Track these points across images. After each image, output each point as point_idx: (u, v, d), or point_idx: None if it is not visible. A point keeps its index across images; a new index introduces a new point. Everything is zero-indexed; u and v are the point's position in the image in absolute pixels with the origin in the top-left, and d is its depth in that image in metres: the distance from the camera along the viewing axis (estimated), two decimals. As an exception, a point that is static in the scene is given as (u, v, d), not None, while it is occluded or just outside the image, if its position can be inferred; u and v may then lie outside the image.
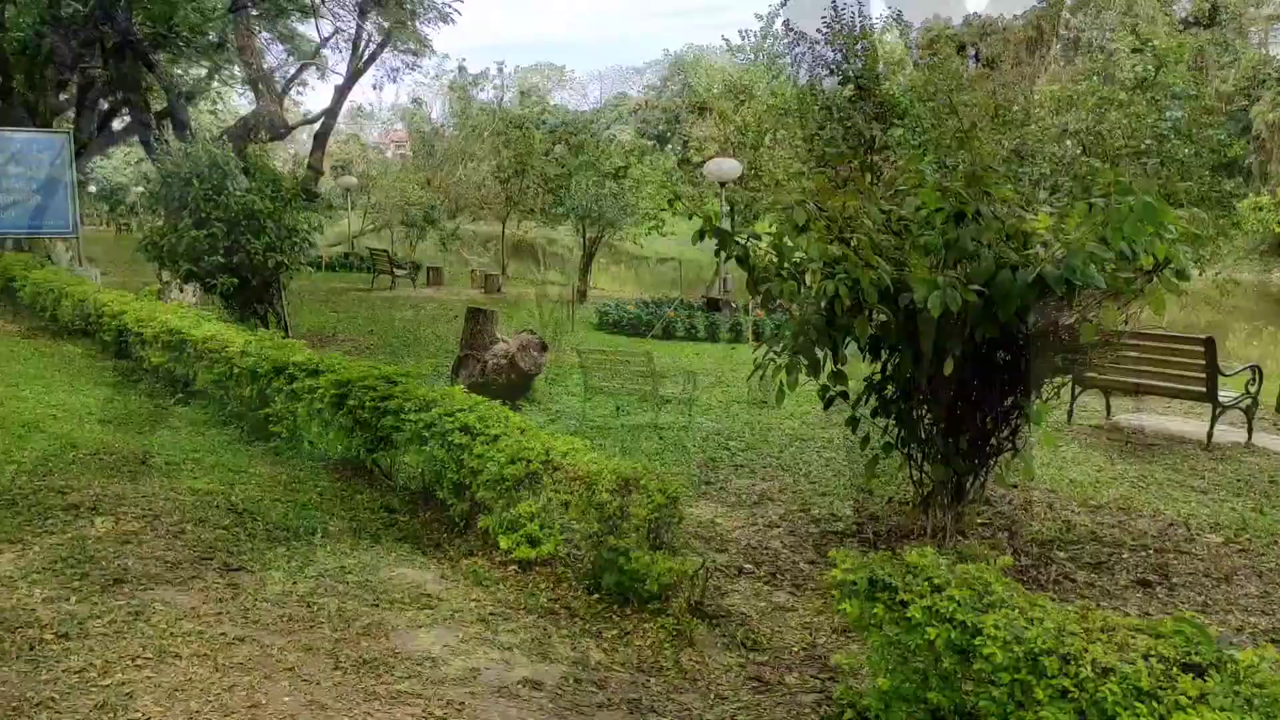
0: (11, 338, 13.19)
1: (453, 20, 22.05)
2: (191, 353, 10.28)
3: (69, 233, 20.89)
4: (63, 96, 30.62)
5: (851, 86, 20.01)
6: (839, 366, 6.06)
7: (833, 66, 20.27)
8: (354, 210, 40.48)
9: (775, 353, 6.09)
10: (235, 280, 13.64)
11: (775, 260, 5.86)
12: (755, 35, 25.20)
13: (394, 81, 59.28)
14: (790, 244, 5.64)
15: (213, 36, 27.38)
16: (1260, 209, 34.57)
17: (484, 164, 56.77)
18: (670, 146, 58.58)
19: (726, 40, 27.64)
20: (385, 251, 25.15)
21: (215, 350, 9.54)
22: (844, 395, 6.28)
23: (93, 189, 57.97)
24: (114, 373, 11.69)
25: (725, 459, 8.49)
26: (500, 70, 76.26)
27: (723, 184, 18.64)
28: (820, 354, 5.89)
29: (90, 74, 28.50)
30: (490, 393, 10.65)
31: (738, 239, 6.12)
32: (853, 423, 6.31)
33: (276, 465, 7.74)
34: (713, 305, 18.18)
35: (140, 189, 63.24)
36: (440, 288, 26.71)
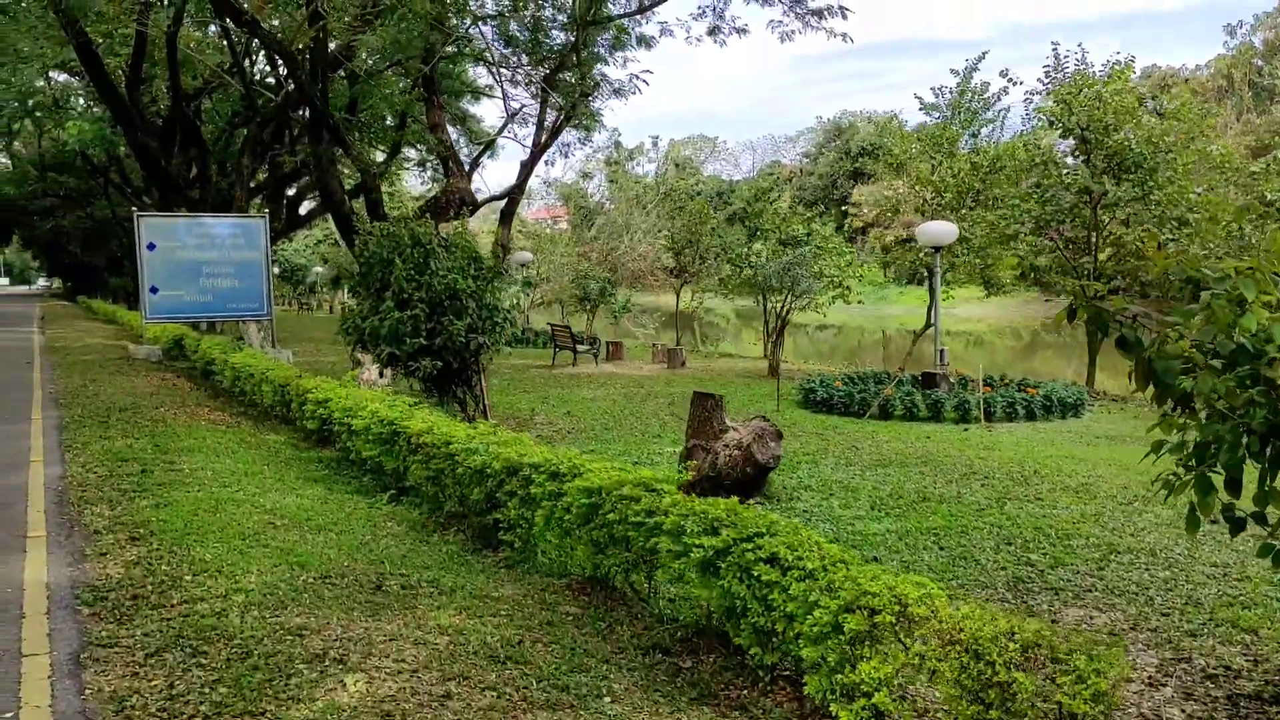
0: (217, 427, 12.84)
1: (635, 93, 21.53)
2: (405, 446, 9.53)
3: (264, 315, 21.07)
4: (252, 184, 31.76)
5: (1075, 138, 18.38)
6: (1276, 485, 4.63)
7: (1053, 118, 18.68)
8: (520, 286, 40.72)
9: (1182, 467, 4.73)
10: (439, 364, 13.01)
11: (1195, 349, 4.53)
12: (951, 91, 23.49)
13: (565, 156, 59.93)
14: (1252, 324, 4.30)
15: (389, 120, 27.79)
16: None
17: (648, 235, 56.79)
18: (830, 213, 57.21)
19: (919, 98, 26.62)
20: (567, 327, 24.59)
21: (435, 444, 8.71)
22: (1260, 519, 4.85)
23: (276, 270, 60.55)
24: (320, 465, 11.09)
25: (1033, 577, 7.04)
26: (655, 144, 76.49)
27: (936, 249, 17.20)
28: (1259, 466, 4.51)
29: (279, 160, 29.39)
30: (723, 489, 9.54)
31: (1119, 318, 4.82)
32: (1275, 557, 4.84)
33: (515, 584, 6.75)
34: (929, 381, 16.65)
35: (320, 269, 65.91)
36: (621, 362, 25.95)
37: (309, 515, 8.01)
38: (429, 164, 34.37)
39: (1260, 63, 69.57)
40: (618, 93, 21.26)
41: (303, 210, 37.39)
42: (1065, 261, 19.24)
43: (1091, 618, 6.21)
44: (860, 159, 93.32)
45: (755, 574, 4.89)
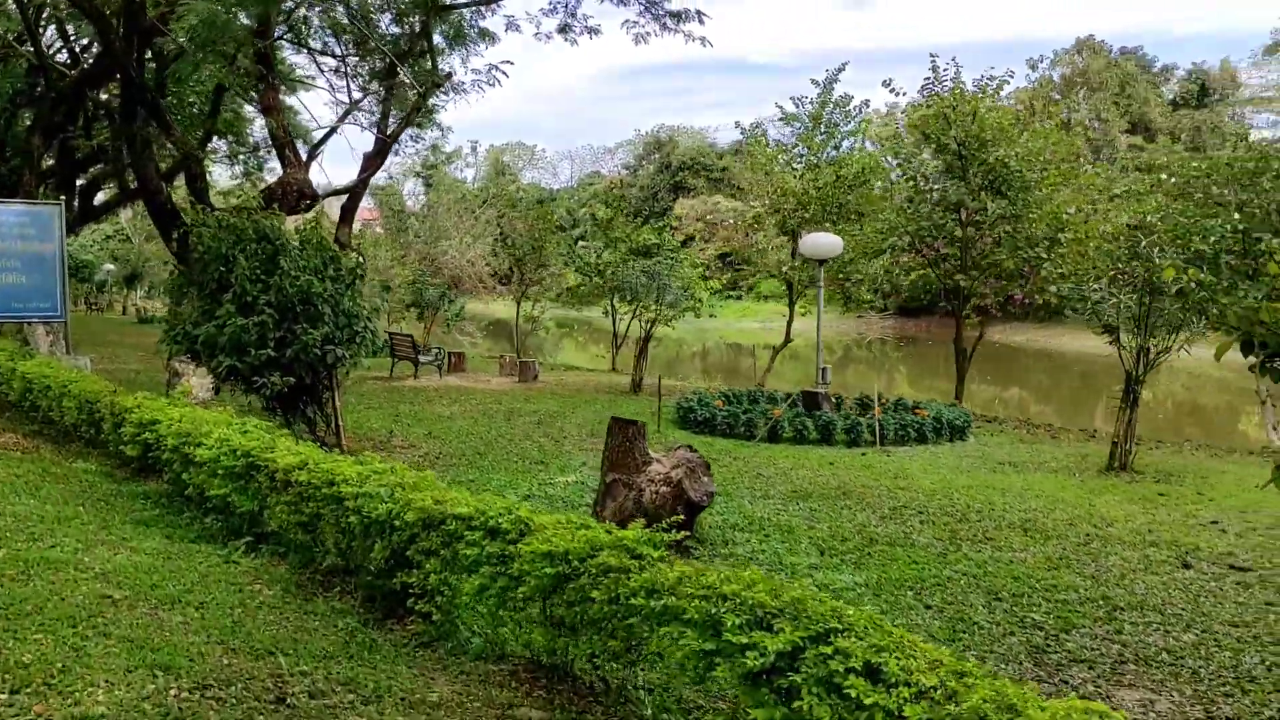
0: (9, 454, 10.57)
1: (494, 84, 19.95)
2: (265, 483, 7.78)
3: (58, 317, 18.25)
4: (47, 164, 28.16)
5: (951, 155, 18.06)
6: None
7: (930, 134, 18.32)
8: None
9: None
10: (290, 380, 11.16)
11: None
12: (811, 102, 23.03)
13: (395, 154, 57.13)
14: None
15: (197, 106, 25.10)
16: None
17: (478, 240, 54.81)
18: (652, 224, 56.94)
19: (780, 107, 26.06)
20: (409, 336, 22.69)
21: (313, 484, 7.03)
22: None
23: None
24: (148, 503, 9.13)
25: (1050, 644, 6.06)
26: (474, 149, 74.75)
27: (821, 261, 16.45)
28: None
29: (72, 144, 26.11)
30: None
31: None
32: None
33: (446, 676, 5.25)
34: (810, 400, 15.85)
35: (110, 267, 60.44)
36: (465, 375, 24.22)
37: (155, 580, 6.21)
38: (241, 156, 31.52)
39: (1058, 95, 73.94)
40: (476, 84, 19.62)
41: (98, 200, 33.63)
42: (934, 279, 18.95)
43: (1151, 702, 5.25)
44: (680, 173, 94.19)
45: (845, 688, 3.61)
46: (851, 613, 4.02)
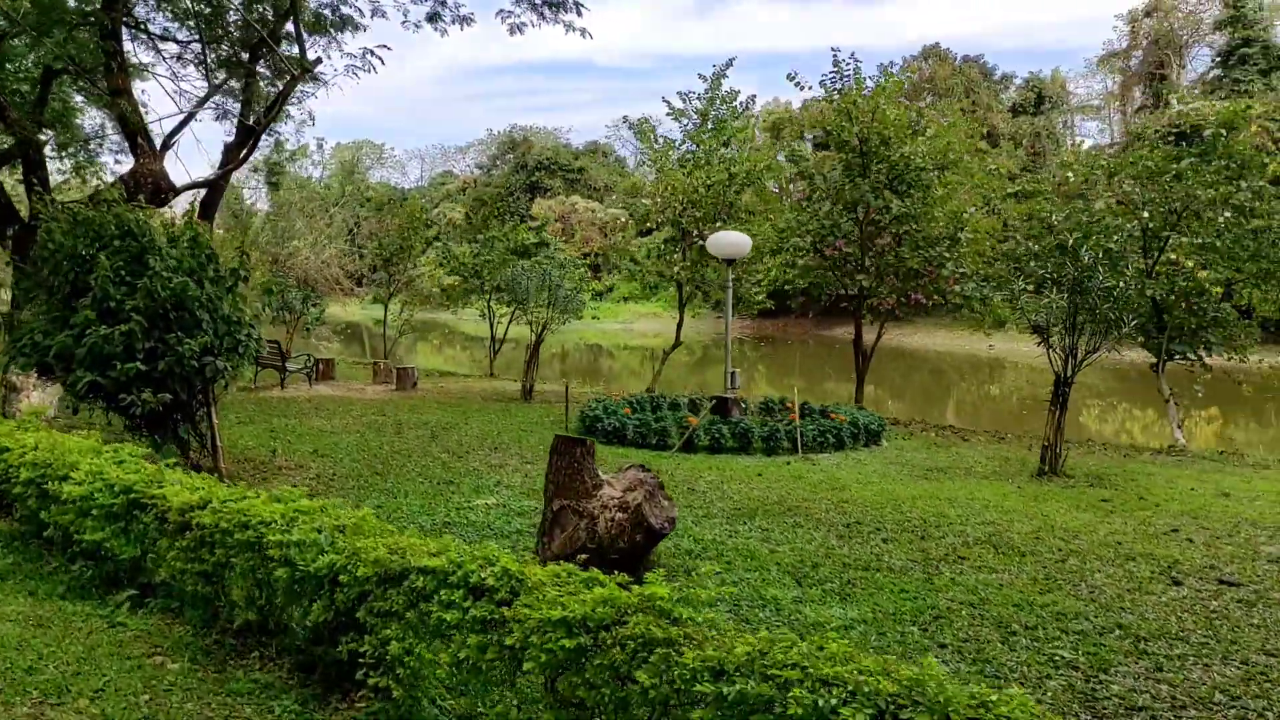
0: None
1: (369, 70, 18.51)
2: (154, 526, 6.51)
3: None
4: None
5: (852, 152, 17.66)
6: None
7: (831, 130, 17.89)
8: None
9: None
10: (167, 397, 9.73)
11: None
12: (699, 97, 22.41)
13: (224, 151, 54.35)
14: None
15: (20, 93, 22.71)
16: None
17: (333, 241, 52.47)
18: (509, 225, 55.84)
19: (668, 101, 25.28)
20: (276, 343, 20.97)
21: (223, 529, 5.83)
22: None
23: None
24: (4, 548, 7.65)
25: (1095, 689, 5.42)
26: (320, 147, 71.99)
27: (729, 261, 15.75)
28: None
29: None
30: (606, 564, 7.33)
31: None
32: None
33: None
34: (720, 407, 15.15)
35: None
36: (335, 383, 22.63)
37: (30, 662, 4.94)
38: (71, 149, 28.83)
39: (905, 100, 76.04)
40: (351, 70, 18.14)
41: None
42: (832, 280, 18.57)
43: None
44: (537, 173, 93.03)
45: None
46: (996, 697, 3.21)
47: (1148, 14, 66.45)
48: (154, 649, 5.61)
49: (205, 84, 19.22)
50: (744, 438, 13.75)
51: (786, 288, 21.61)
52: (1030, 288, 12.03)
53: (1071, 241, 11.72)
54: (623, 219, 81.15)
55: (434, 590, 4.69)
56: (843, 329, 58.81)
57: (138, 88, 22.53)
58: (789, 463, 12.88)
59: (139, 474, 6.95)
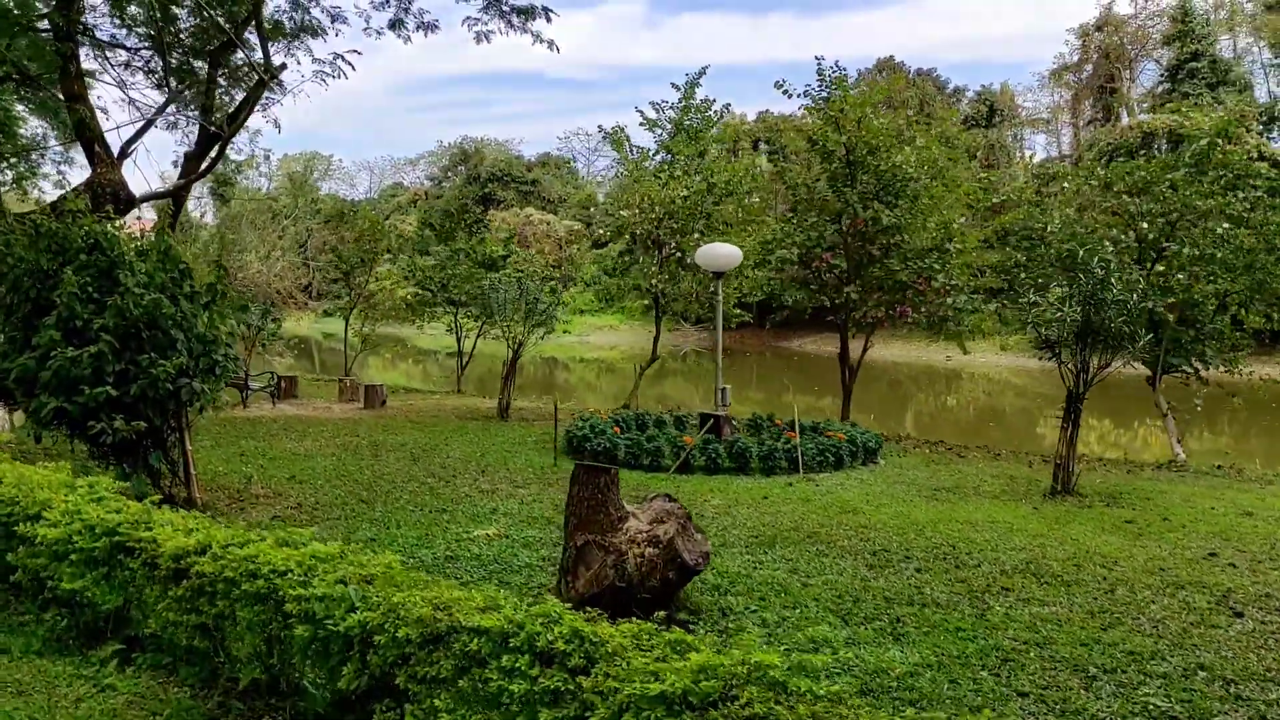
0: None
1: (338, 76, 17.79)
2: (142, 574, 5.83)
3: None
4: None
5: (838, 162, 17.27)
6: None
7: (817, 140, 17.48)
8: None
9: None
10: (141, 425, 8.99)
11: None
12: (673, 107, 21.96)
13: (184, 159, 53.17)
14: None
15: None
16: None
17: (286, 254, 51.30)
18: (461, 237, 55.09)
19: (641, 111, 24.68)
20: (237, 359, 20.04)
21: (228, 578, 5.18)
22: None
23: None
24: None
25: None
26: (267, 158, 71.00)
27: (718, 274, 15.25)
28: None
29: None
30: (636, 605, 6.78)
31: None
32: None
33: None
34: (713, 426, 14.61)
35: None
36: (299, 402, 21.78)
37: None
38: (12, 159, 27.64)
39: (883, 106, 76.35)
40: (319, 75, 17.41)
41: None
42: (814, 293, 18.16)
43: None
44: (489, 184, 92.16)
45: None
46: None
47: (1098, 28, 67.39)
48: (153, 717, 4.94)
49: (155, 93, 18.47)
50: (741, 457, 13.24)
51: (772, 301, 21.21)
52: (1040, 301, 11.65)
53: (1082, 253, 11.37)
54: (577, 230, 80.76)
55: (491, 654, 4.09)
56: (799, 340, 58.85)
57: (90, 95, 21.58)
58: (790, 483, 12.39)
59: (122, 514, 6.26)
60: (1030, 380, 42.95)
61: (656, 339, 22.91)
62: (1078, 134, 71.73)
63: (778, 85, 17.95)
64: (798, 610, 7.00)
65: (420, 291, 26.00)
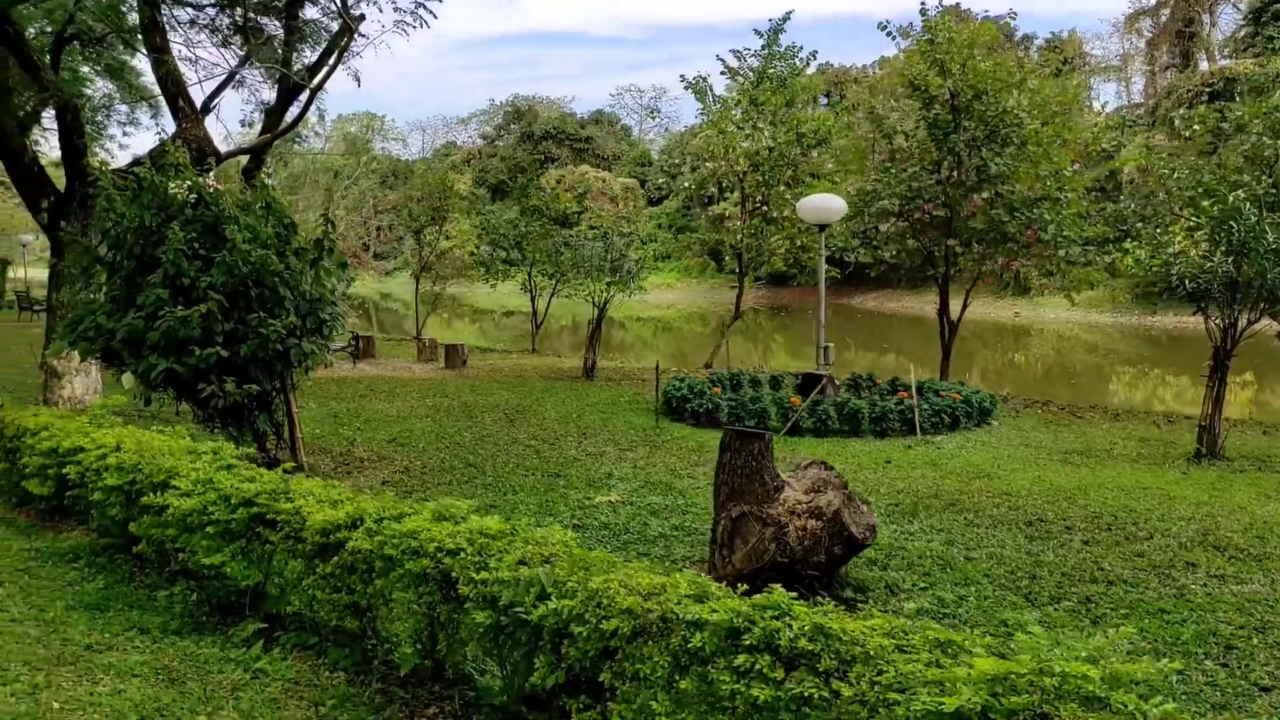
0: None
1: (420, 26, 17.22)
2: (282, 547, 5.42)
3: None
4: None
5: (942, 106, 16.40)
6: None
7: (919, 84, 16.61)
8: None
9: None
10: (254, 389, 8.63)
11: None
12: (756, 54, 21.10)
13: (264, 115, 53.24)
14: None
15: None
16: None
17: (350, 213, 51.25)
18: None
19: (722, 60, 23.80)
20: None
21: (389, 557, 4.74)
22: None
23: None
24: (83, 569, 6.58)
25: None
26: (321, 119, 70.80)
27: (822, 227, 14.57)
28: None
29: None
30: (799, 580, 6.27)
31: None
32: None
33: None
34: (810, 383, 14.01)
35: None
36: (378, 362, 21.52)
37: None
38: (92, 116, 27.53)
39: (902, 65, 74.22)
40: (400, 25, 16.81)
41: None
42: (916, 246, 17.37)
43: None
44: (544, 142, 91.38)
45: None
46: None
47: (1178, -31, 64.68)
48: (314, 707, 4.53)
49: (220, 51, 18.02)
50: (853, 419, 12.65)
51: (838, 256, 20.46)
52: (1193, 248, 10.86)
53: (1232, 199, 10.52)
54: (632, 187, 79.89)
55: (716, 651, 3.59)
56: (860, 297, 57.61)
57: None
58: (909, 446, 11.79)
59: (256, 483, 5.85)
60: (1103, 337, 41.71)
61: (740, 296, 22.24)
62: (1154, 81, 69.13)
63: (881, 27, 17.12)
64: (972, 588, 6.44)
65: (493, 250, 25.55)
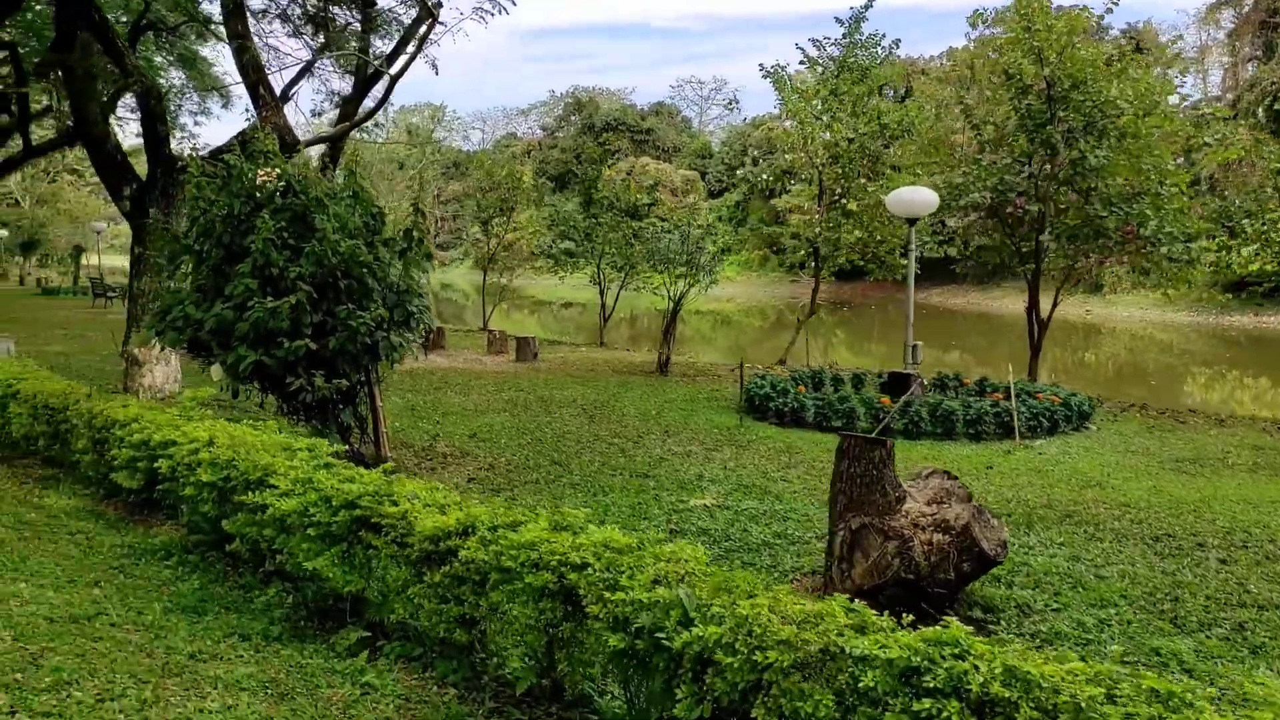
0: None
1: (500, 12, 17.01)
2: (386, 553, 5.14)
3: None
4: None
5: (1036, 96, 15.77)
6: None
7: (1012, 72, 16.01)
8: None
9: None
10: (343, 384, 8.43)
11: None
12: (836, 43, 20.53)
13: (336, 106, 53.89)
14: None
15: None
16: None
17: (421, 201, 51.39)
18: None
19: (801, 49, 23.37)
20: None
21: (507, 569, 4.44)
22: None
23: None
24: (176, 567, 6.38)
25: None
26: (384, 110, 71.18)
27: (911, 221, 14.08)
28: None
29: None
30: (924, 597, 5.89)
31: None
32: None
33: None
34: (898, 382, 13.55)
35: (2, 233, 54.96)
36: (448, 353, 21.37)
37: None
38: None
39: (995, 54, 72.62)
40: (479, 13, 16.59)
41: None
42: (1006, 242, 16.77)
43: None
44: (604, 133, 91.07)
45: None
46: None
47: (1264, -43, 62.47)
48: (430, 730, 4.25)
49: (291, 41, 18.03)
50: (947, 421, 12.16)
51: (950, 251, 19.87)
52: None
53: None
54: (693, 179, 79.33)
55: (890, 692, 3.23)
56: (923, 293, 56.48)
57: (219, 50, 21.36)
58: (1009, 451, 11.28)
59: (357, 483, 5.60)
60: (1177, 336, 40.46)
61: (815, 290, 21.77)
62: (1235, 73, 66.95)
63: (976, 15, 16.54)
64: (1111, 610, 5.99)
65: (561, 241, 25.31)
